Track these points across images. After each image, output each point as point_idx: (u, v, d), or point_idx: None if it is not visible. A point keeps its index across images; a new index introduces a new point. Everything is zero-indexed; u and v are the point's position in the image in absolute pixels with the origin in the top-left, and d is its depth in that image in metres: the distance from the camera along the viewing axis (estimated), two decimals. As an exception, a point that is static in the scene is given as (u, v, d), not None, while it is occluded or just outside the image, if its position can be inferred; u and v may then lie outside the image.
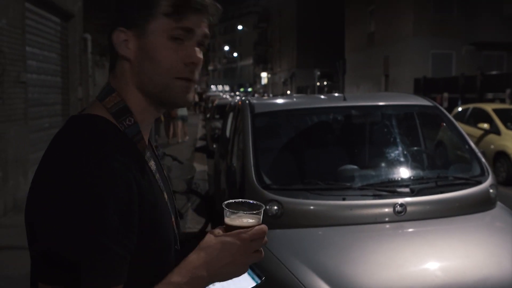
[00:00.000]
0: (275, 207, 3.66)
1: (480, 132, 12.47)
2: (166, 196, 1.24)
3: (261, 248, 1.21)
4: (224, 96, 37.81)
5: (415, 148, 4.62)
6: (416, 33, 27.93)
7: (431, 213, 3.67)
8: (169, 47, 1.18)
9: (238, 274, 1.19)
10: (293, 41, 54.28)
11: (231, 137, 5.33)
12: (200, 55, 1.22)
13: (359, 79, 35.36)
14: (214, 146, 8.97)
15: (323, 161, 4.40)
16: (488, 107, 13.03)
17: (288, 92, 52.91)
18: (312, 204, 3.67)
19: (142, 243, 1.11)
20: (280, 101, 5.23)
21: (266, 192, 3.74)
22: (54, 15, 10.86)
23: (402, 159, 4.24)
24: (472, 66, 25.46)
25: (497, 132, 11.96)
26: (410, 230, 3.57)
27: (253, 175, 3.89)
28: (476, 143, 12.36)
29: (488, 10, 27.04)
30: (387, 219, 3.57)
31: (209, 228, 6.70)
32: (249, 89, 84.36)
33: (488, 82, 19.92)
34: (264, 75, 77.32)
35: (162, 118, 19.49)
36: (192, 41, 1.20)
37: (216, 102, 20.19)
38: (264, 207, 1.24)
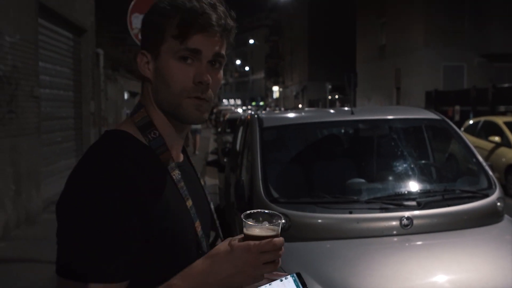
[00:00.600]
0: (283, 221, 3.68)
1: (491, 145, 12.43)
2: (190, 202, 1.32)
3: (278, 260, 1.22)
4: (236, 110, 37.98)
5: (423, 161, 4.63)
6: (427, 44, 27.93)
7: (438, 226, 3.68)
8: (178, 67, 1.25)
9: (246, 284, 1.22)
10: (305, 54, 54.44)
11: (241, 150, 5.38)
12: (209, 75, 1.27)
13: (370, 92, 35.36)
14: (225, 160, 9.01)
15: (331, 175, 4.43)
16: (499, 120, 13.00)
17: (300, 105, 52.96)
18: (319, 217, 3.69)
19: (151, 247, 1.21)
20: (288, 115, 5.28)
21: (273, 206, 3.77)
22: (66, 30, 11.03)
23: (409, 172, 4.26)
24: (484, 78, 25.39)
25: (509, 145, 11.92)
26: (417, 243, 3.58)
27: (261, 189, 3.93)
28: (488, 156, 12.32)
29: (499, 22, 27.03)
30: (394, 232, 3.59)
31: (218, 241, 6.73)
32: (261, 103, 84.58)
33: (500, 94, 19.83)
34: (275, 88, 77.51)
35: None
36: (201, 61, 1.26)
37: (228, 116, 20.28)
38: (282, 219, 1.25)
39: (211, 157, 18.25)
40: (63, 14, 10.27)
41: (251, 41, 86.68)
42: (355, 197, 3.90)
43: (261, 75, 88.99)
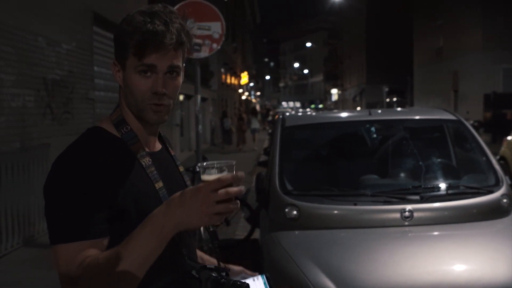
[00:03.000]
0: (294, 211, 4.03)
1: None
2: (160, 184, 1.53)
3: (231, 198, 1.31)
4: (292, 112, 38.31)
5: (435, 159, 4.83)
6: (485, 46, 27.41)
7: (438, 219, 3.92)
8: (138, 80, 1.50)
9: (203, 223, 1.33)
10: (363, 57, 54.16)
11: (270, 148, 5.75)
12: (166, 83, 1.50)
13: (428, 95, 34.92)
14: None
15: (344, 171, 4.73)
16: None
17: (358, 108, 52.69)
18: (326, 208, 4.00)
19: (126, 222, 1.43)
20: (311, 115, 5.60)
21: (286, 197, 4.12)
22: (121, 37, 11.66)
23: (419, 169, 4.49)
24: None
25: None
26: (414, 234, 3.82)
27: (277, 182, 4.28)
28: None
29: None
30: (394, 223, 3.86)
31: (255, 235, 7.09)
32: (320, 105, 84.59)
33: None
34: (334, 91, 77.30)
35: (234, 130, 25.74)
36: (157, 73, 1.49)
37: (279, 118, 20.66)
38: (234, 163, 1.39)
39: (263, 158, 18.78)
40: (117, 21, 10.89)
41: (308, 45, 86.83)
42: (362, 191, 4.19)
43: (320, 78, 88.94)
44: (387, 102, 42.74)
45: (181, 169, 1.73)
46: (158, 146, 1.68)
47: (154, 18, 1.48)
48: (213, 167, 1.38)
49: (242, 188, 1.33)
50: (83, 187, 1.40)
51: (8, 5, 6.85)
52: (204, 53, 6.65)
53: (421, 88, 36.95)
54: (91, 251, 1.37)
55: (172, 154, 1.74)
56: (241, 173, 1.34)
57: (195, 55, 6.60)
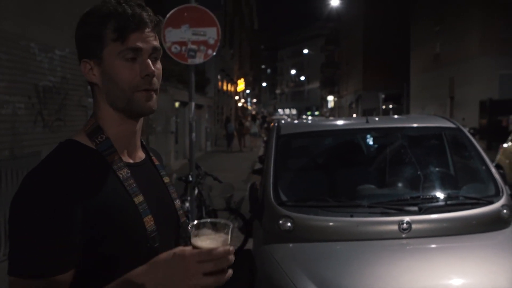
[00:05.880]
0: (288, 223, 3.90)
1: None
2: (140, 198, 1.40)
3: (223, 271, 1.22)
4: (288, 119, 38.24)
5: (434, 168, 4.72)
6: (483, 52, 27.38)
7: (437, 231, 3.80)
8: (124, 66, 1.38)
9: None
10: (360, 64, 54.16)
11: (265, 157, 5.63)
12: (153, 67, 1.40)
13: (424, 101, 34.89)
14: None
15: (341, 180, 4.61)
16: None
17: (354, 115, 52.64)
18: (321, 220, 3.88)
19: (94, 241, 1.29)
20: (307, 123, 5.49)
21: (280, 209, 3.99)
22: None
23: (417, 179, 4.37)
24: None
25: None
26: (412, 246, 3.70)
27: (271, 193, 4.16)
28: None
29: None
30: (392, 236, 3.73)
31: (248, 245, 6.95)
32: (316, 112, 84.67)
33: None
34: (330, 98, 77.39)
35: (235, 134, 27.86)
36: (143, 56, 1.39)
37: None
38: (230, 227, 1.25)
39: (258, 166, 18.64)
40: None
41: (306, 51, 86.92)
42: (359, 202, 4.07)
43: (316, 84, 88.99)
44: (383, 109, 42.69)
45: (166, 180, 1.59)
46: (141, 156, 1.54)
47: (123, 3, 1.40)
48: (205, 226, 1.25)
49: (231, 266, 1.22)
50: (49, 212, 1.25)
51: (1, 10, 6.74)
52: (199, 59, 6.50)
53: (417, 95, 36.95)
54: None
55: (156, 164, 1.59)
56: (232, 248, 1.24)
57: (190, 61, 6.45)
